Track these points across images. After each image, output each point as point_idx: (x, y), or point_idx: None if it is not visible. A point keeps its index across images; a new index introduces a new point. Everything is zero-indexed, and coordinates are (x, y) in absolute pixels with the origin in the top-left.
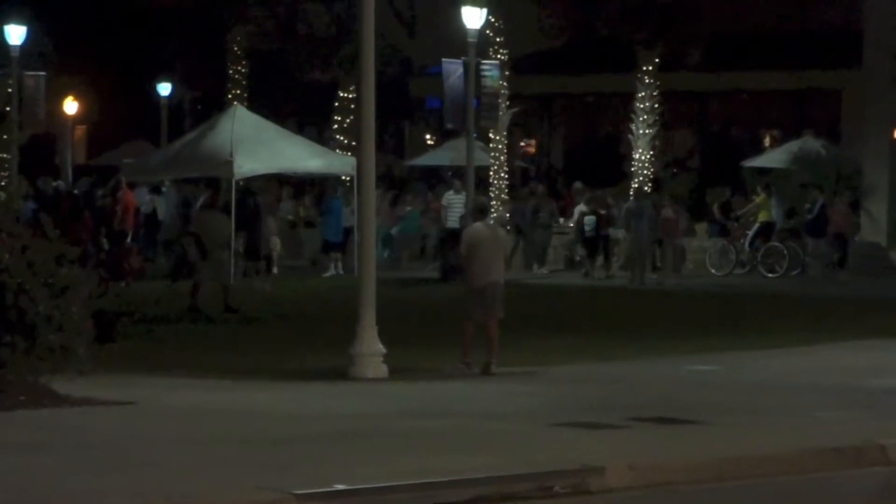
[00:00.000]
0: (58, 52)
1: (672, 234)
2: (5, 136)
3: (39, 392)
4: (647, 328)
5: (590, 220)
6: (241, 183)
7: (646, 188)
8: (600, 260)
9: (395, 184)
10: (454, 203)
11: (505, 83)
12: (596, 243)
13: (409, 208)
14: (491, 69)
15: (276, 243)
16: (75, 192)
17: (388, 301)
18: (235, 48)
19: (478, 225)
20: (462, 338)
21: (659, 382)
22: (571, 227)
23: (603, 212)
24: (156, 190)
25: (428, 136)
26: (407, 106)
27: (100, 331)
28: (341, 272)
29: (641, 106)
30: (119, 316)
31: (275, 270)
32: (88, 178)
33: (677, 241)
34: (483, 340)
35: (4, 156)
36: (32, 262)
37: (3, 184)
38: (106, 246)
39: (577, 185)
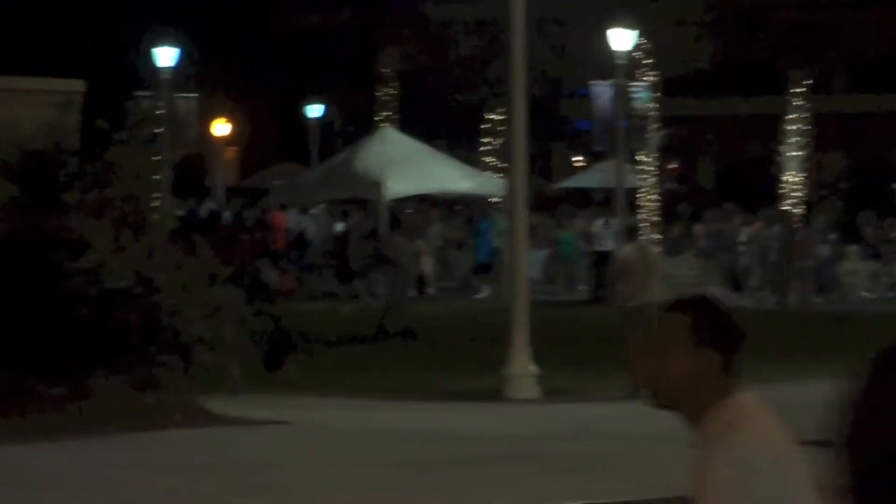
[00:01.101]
0: (209, 75)
1: (803, 257)
2: (158, 157)
3: (194, 412)
4: (792, 350)
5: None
6: (390, 204)
7: (796, 210)
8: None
9: (542, 205)
10: (605, 227)
11: (654, 105)
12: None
13: (562, 232)
14: (640, 91)
15: (426, 264)
16: (225, 212)
17: (539, 323)
18: (386, 69)
19: (627, 247)
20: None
21: (807, 405)
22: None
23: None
24: (304, 211)
25: (576, 158)
26: (555, 127)
27: (270, 356)
28: (490, 294)
29: (792, 128)
30: (292, 343)
31: (431, 290)
32: (239, 200)
33: (810, 264)
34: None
35: (157, 177)
36: (186, 282)
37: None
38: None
39: (729, 206)
